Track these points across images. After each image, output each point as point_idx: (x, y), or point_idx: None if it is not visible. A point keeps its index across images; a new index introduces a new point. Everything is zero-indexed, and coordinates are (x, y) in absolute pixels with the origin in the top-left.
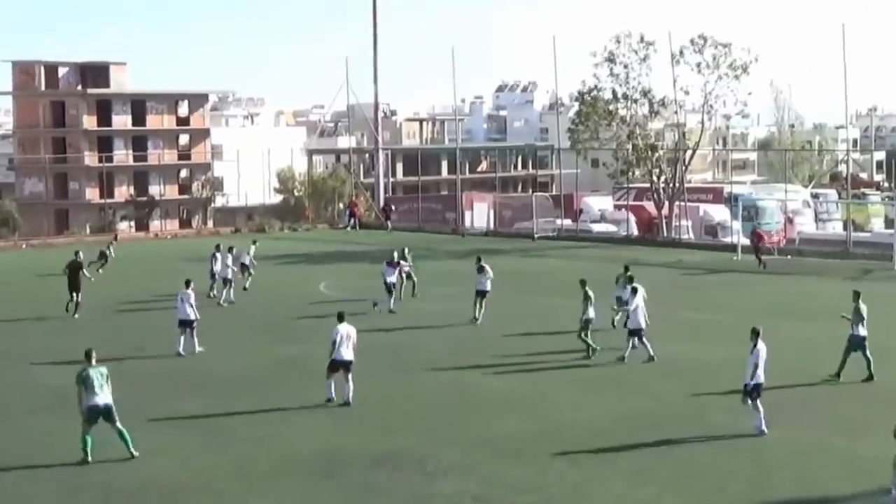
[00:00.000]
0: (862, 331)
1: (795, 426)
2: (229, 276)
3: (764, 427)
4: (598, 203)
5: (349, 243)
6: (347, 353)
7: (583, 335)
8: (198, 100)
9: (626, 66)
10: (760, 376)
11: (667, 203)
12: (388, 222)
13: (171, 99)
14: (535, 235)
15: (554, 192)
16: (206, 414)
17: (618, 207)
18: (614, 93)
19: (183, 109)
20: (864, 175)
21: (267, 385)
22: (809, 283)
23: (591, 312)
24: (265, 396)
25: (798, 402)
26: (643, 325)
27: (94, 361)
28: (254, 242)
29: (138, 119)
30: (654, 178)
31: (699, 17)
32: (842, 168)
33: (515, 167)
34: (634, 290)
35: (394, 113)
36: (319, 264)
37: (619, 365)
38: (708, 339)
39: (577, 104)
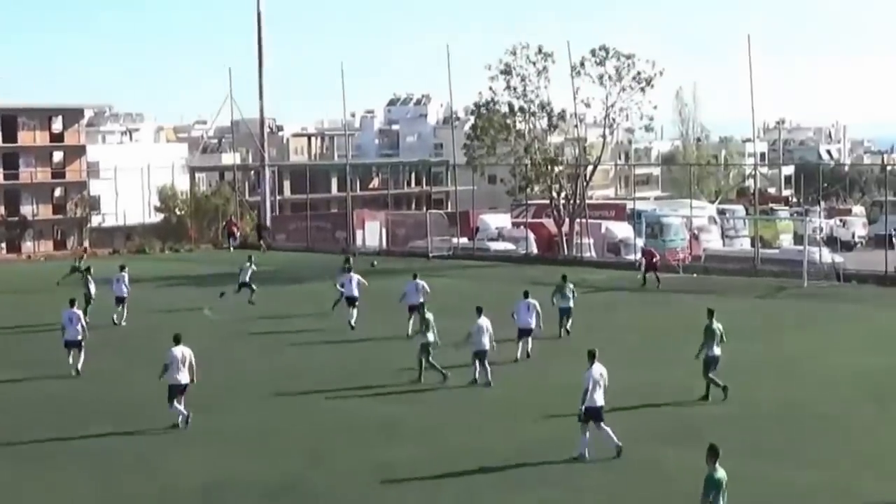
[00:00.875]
0: (716, 350)
1: (701, 450)
2: (124, 295)
3: (586, 454)
4: (496, 220)
5: (234, 264)
6: (183, 377)
7: (422, 358)
8: (72, 115)
9: (523, 79)
10: (597, 399)
11: (567, 220)
12: (262, 242)
13: (44, 114)
14: (430, 255)
15: (449, 210)
16: (84, 442)
17: (516, 225)
18: (511, 106)
19: (57, 125)
20: (772, 190)
21: (147, 412)
22: (716, 302)
23: (431, 336)
24: (146, 424)
25: (709, 424)
26: (486, 348)
27: None
28: (249, 258)
29: (9, 135)
30: (554, 195)
31: (601, 29)
32: (749, 183)
33: (409, 184)
34: (479, 310)
35: (280, 128)
36: (203, 287)
37: (515, 388)
38: (611, 360)
39: (472, 118)
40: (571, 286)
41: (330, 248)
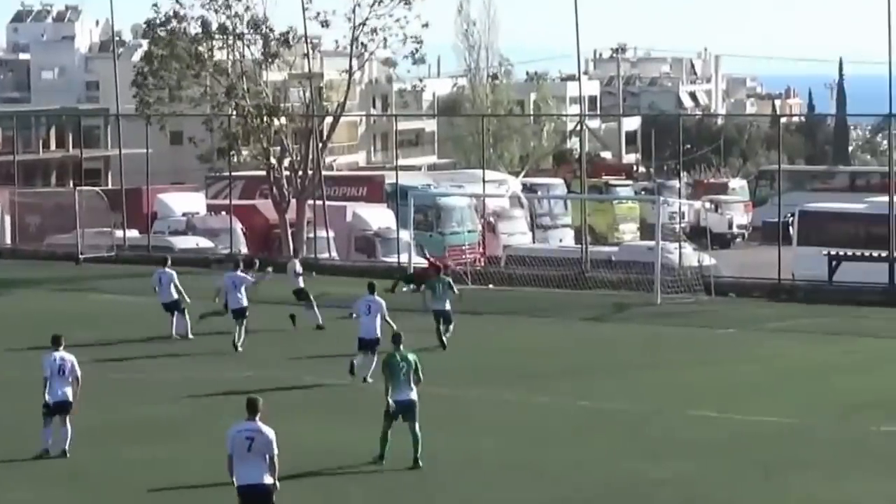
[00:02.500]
0: (408, 394)
1: None
2: None
3: None
4: (184, 203)
5: None
6: None
7: None
8: None
9: None
10: (249, 474)
11: (294, 202)
12: None
13: None
14: (80, 256)
15: (110, 186)
16: None
17: (215, 210)
18: (205, 24)
19: None
20: (607, 155)
21: None
22: (523, 328)
23: None
24: None
25: None
26: (62, 398)
27: None
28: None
29: None
30: (274, 162)
31: None
32: (573, 144)
33: (45, 145)
34: (55, 340)
35: None
36: None
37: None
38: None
39: (145, 43)
40: (448, 281)
41: None
